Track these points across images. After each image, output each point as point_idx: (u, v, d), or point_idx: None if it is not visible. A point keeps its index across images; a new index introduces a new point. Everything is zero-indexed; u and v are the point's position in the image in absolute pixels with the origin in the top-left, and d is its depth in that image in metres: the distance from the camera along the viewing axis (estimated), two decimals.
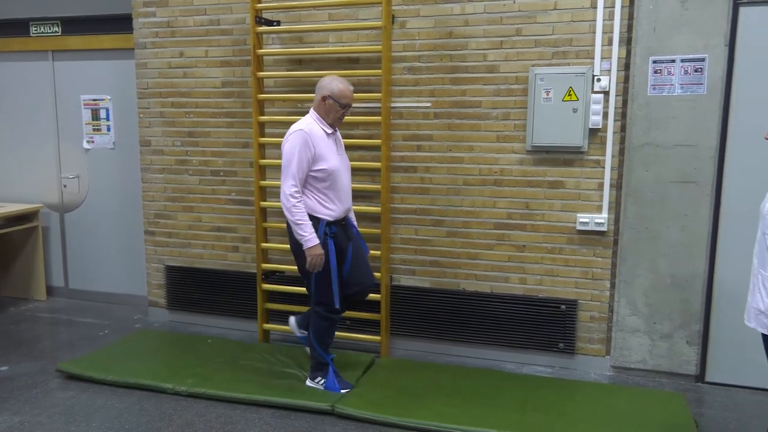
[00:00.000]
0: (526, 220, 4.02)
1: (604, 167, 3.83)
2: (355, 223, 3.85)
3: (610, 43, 3.73)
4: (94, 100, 5.21)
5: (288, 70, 4.36)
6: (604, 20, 3.72)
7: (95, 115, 5.22)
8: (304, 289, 4.33)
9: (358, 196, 4.31)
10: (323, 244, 3.43)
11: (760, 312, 2.71)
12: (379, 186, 4.12)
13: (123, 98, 5.08)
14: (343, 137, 4.26)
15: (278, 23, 4.32)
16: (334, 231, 3.51)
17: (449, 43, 4.01)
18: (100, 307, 5.27)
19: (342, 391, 3.58)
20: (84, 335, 4.64)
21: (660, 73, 3.63)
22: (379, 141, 4.08)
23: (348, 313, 4.29)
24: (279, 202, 4.44)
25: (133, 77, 4.80)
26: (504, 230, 4.07)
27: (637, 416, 3.33)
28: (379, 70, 4.01)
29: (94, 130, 5.25)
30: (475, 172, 4.08)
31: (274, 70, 4.39)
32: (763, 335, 2.73)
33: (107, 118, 5.19)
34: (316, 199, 3.47)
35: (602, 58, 3.75)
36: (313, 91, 4.28)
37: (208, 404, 3.54)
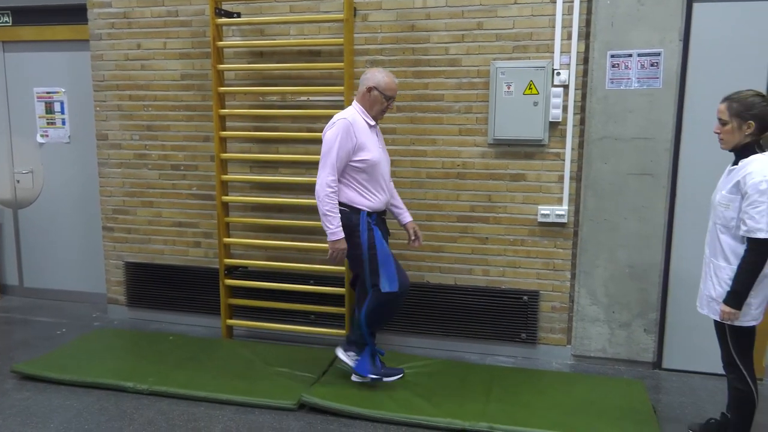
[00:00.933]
0: (489, 212, 4.06)
1: (564, 160, 3.89)
2: (408, 214, 3.78)
3: (569, 37, 3.78)
4: (47, 92, 5.06)
5: (249, 63, 4.31)
6: (563, 15, 3.77)
7: (49, 108, 5.07)
8: (269, 284, 4.32)
9: None
10: (369, 230, 3.39)
11: (712, 299, 2.80)
12: None
13: (78, 91, 4.94)
14: (305, 131, 4.26)
15: (238, 15, 4.25)
16: (374, 219, 3.46)
17: (411, 37, 4.01)
18: (56, 306, 5.14)
19: (370, 376, 3.53)
20: (40, 334, 4.52)
21: (618, 67, 3.70)
22: None
23: (312, 307, 4.30)
24: (241, 196, 4.43)
25: (88, 69, 4.67)
26: (467, 223, 4.10)
27: (597, 404, 3.40)
28: (342, 64, 3.99)
29: (48, 123, 5.09)
30: (438, 165, 4.10)
31: (235, 63, 4.33)
32: (715, 321, 2.82)
33: (62, 112, 5.05)
34: (356, 190, 3.41)
35: (562, 52, 3.80)
36: (275, 84, 4.28)
37: (170, 402, 3.49)
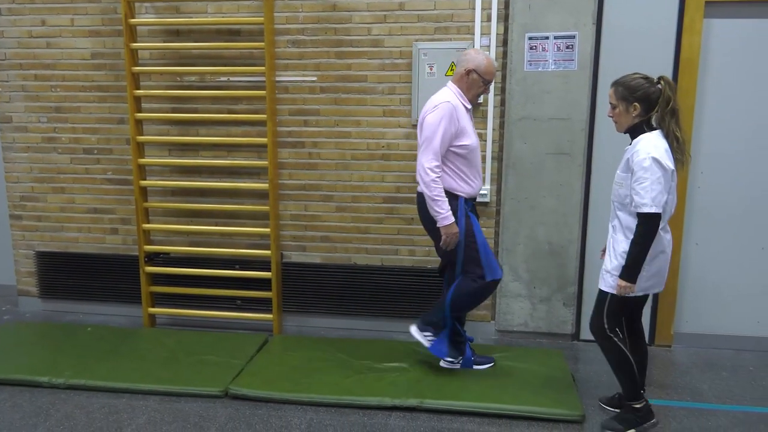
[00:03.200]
0: (414, 193, 4.07)
1: (486, 140, 3.97)
2: None
3: (489, 19, 3.84)
4: None
5: (164, 42, 4.14)
6: None
7: None
8: (192, 270, 4.21)
9: (243, 173, 4.22)
10: (466, 217, 3.29)
11: (606, 271, 2.94)
12: (266, 162, 4.03)
13: None
14: (225, 112, 4.15)
15: None
16: (471, 206, 3.36)
17: (333, 17, 3.96)
18: None
19: (446, 359, 3.46)
20: None
21: (535, 49, 3.80)
22: (265, 116, 3.98)
23: (238, 293, 4.23)
24: (160, 180, 4.28)
25: None
26: (393, 204, 4.13)
27: (520, 374, 3.52)
28: (262, 43, 3.90)
29: None
30: (363, 146, 4.09)
31: (149, 41, 4.15)
32: (600, 290, 2.96)
33: None
34: (455, 175, 3.27)
35: (482, 34, 3.86)
36: (192, 64, 4.14)
37: (89, 395, 3.36)
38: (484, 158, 3.97)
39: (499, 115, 3.95)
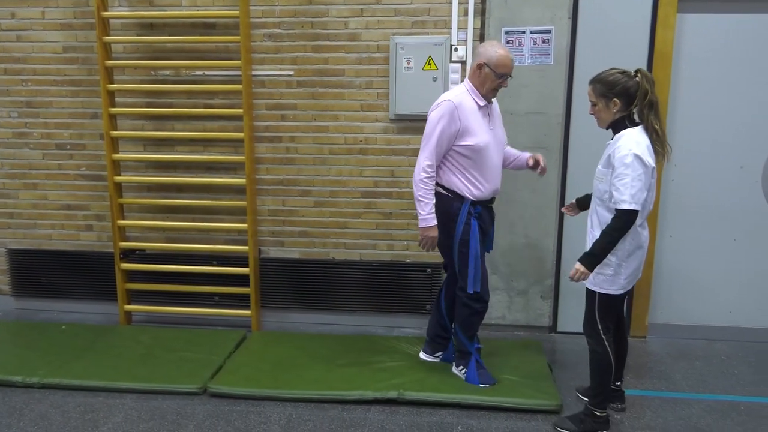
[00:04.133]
0: (392, 187, 4.10)
1: None
2: None
3: (466, 13, 3.84)
4: None
5: (138, 35, 4.08)
6: None
7: None
8: (169, 266, 4.17)
9: (220, 168, 4.18)
10: (467, 224, 3.18)
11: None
12: (243, 157, 4.00)
13: None
14: (201, 107, 4.10)
15: None
16: (479, 211, 3.22)
17: (310, 10, 3.94)
18: None
19: (481, 385, 3.30)
20: None
21: (512, 43, 3.81)
22: (241, 110, 3.95)
23: (216, 289, 4.20)
24: (135, 176, 4.23)
25: None
26: (371, 198, 4.13)
27: (499, 365, 3.53)
28: (238, 37, 3.86)
29: None
30: (341, 141, 4.08)
31: (123, 35, 4.08)
32: (587, 290, 2.96)
33: None
34: (461, 175, 3.17)
35: (459, 28, 3.86)
36: (167, 58, 4.09)
37: (65, 394, 3.32)
38: None
39: None
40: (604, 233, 2.77)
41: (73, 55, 4.16)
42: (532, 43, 3.80)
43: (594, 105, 2.87)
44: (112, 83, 4.04)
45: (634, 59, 3.72)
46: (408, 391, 3.25)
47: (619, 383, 3.18)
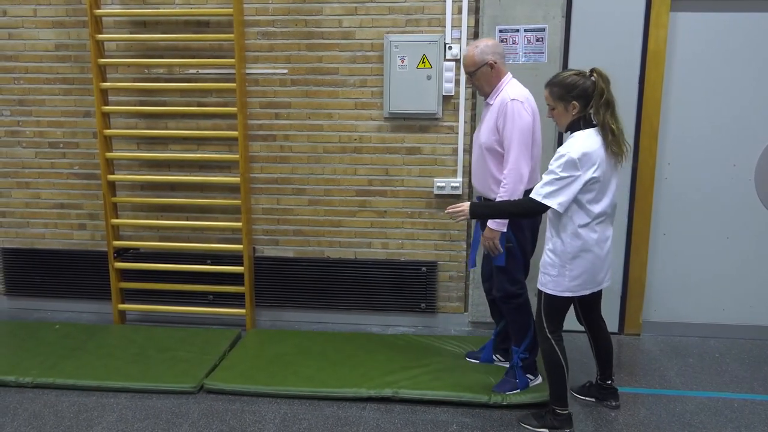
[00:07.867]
0: (387, 186, 4.10)
1: (457, 133, 3.98)
2: None
3: (460, 11, 3.84)
4: None
5: (131, 33, 4.06)
6: None
7: None
8: (163, 265, 4.16)
9: (214, 166, 4.17)
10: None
11: (540, 269, 2.91)
12: (237, 155, 3.99)
13: None
14: (195, 105, 4.09)
15: None
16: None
17: (303, 8, 3.93)
18: None
19: (530, 384, 3.30)
20: None
21: (506, 42, 3.81)
22: (235, 109, 3.94)
23: (210, 288, 4.19)
24: (128, 174, 4.22)
25: None
26: (365, 197, 4.12)
27: (494, 364, 3.55)
28: (232, 35, 3.85)
29: None
30: (335, 139, 4.07)
31: (116, 33, 4.06)
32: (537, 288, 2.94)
33: None
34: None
35: (453, 26, 3.86)
36: (160, 56, 4.08)
37: (58, 393, 3.31)
38: (455, 151, 3.99)
39: (470, 107, 3.96)
40: (508, 201, 2.83)
41: (65, 53, 4.14)
42: (525, 42, 3.80)
43: (552, 109, 2.80)
44: (105, 81, 4.02)
45: (627, 58, 3.75)
46: (403, 389, 3.25)
47: (610, 381, 3.19)
